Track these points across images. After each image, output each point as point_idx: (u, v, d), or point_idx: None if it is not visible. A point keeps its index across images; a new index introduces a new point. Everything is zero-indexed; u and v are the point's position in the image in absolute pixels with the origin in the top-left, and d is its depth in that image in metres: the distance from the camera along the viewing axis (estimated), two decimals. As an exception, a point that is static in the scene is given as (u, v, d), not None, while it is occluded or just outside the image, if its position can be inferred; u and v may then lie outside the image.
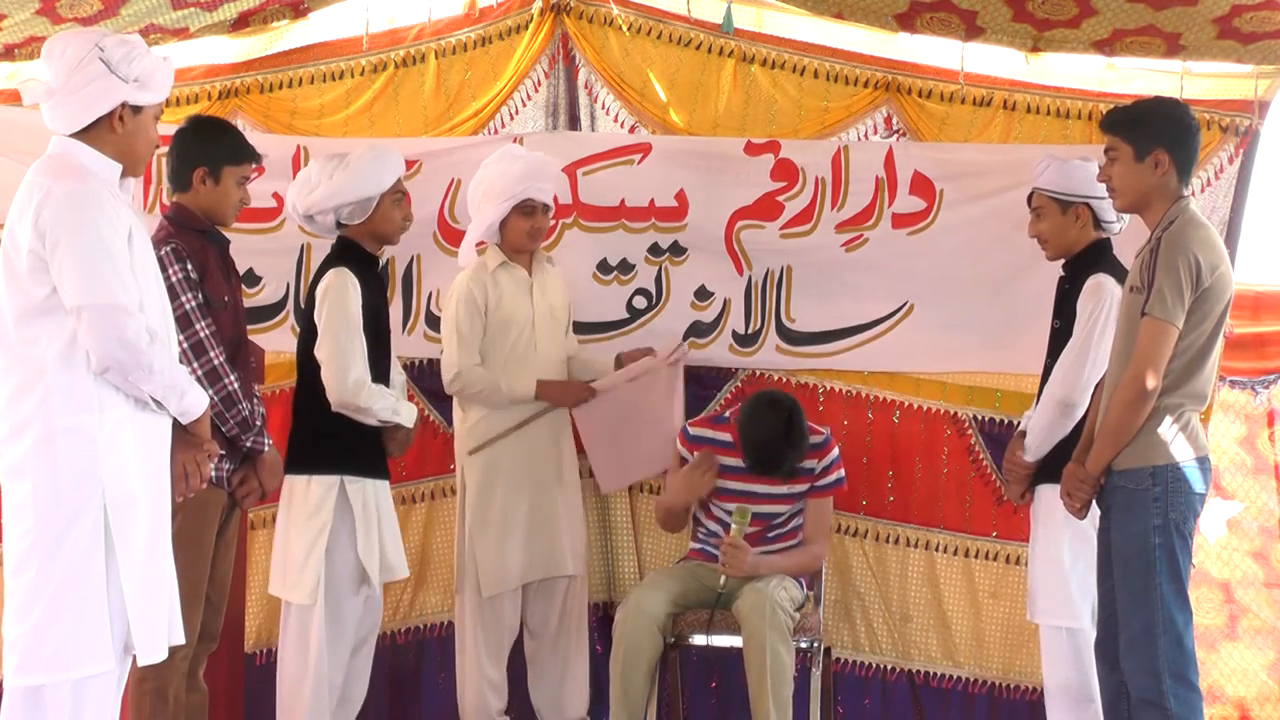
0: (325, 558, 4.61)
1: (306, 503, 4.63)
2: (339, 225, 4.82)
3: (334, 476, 4.65)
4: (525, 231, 5.09)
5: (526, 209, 5.07)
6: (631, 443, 5.20)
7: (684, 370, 5.33)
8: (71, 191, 3.46)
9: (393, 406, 4.73)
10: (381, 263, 5.43)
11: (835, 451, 5.07)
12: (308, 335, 4.77)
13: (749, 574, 4.86)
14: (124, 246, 3.49)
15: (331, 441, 4.67)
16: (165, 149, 4.46)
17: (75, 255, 3.42)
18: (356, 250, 4.81)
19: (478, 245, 5.19)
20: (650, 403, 5.17)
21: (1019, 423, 4.79)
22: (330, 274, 4.72)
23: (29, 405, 3.44)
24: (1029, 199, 4.73)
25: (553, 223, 5.37)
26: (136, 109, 3.63)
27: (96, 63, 3.56)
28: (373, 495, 4.71)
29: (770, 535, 5.02)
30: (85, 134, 3.59)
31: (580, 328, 5.41)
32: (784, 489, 4.98)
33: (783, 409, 4.90)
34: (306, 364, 4.76)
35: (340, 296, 4.67)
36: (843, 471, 5.09)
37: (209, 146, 4.40)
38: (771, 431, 4.87)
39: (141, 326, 3.45)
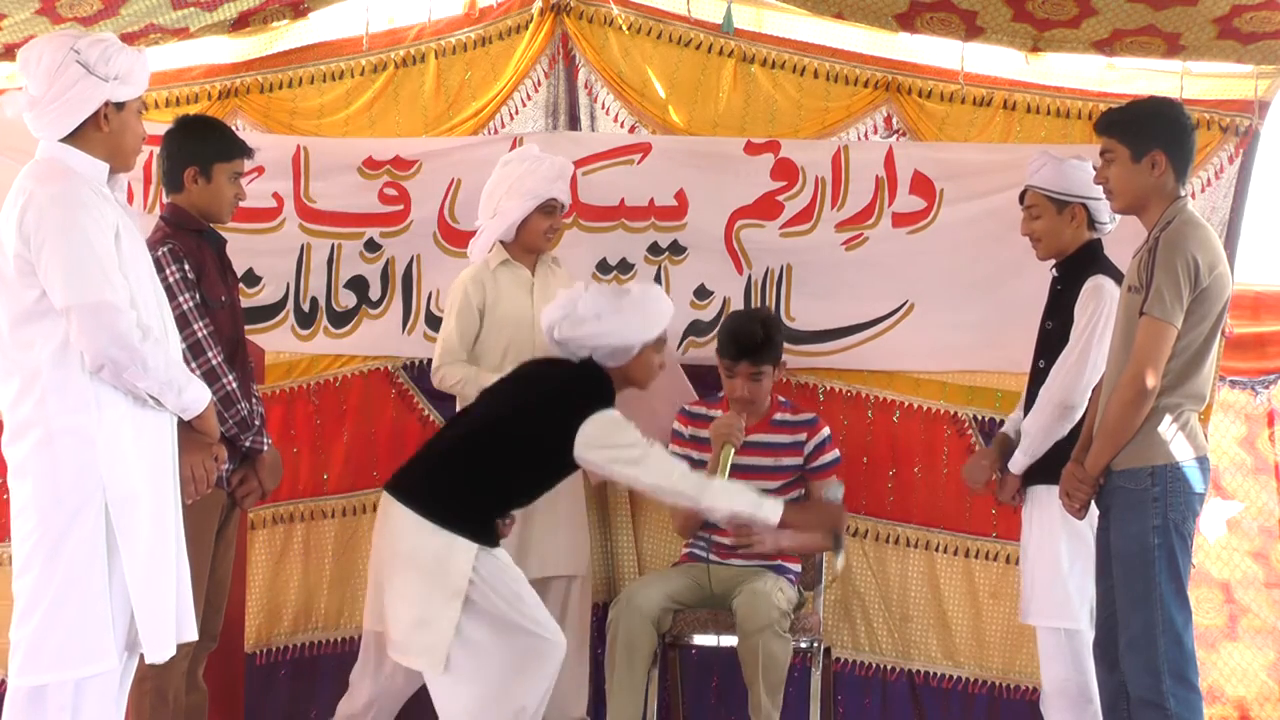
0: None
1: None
2: (592, 360, 4.52)
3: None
4: (543, 231, 5.11)
5: (549, 208, 5.09)
6: None
7: (687, 370, 5.38)
8: (54, 193, 3.46)
9: None
10: (381, 263, 5.47)
11: (826, 431, 5.09)
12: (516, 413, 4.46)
13: (770, 549, 4.75)
14: (110, 245, 3.48)
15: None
16: (156, 149, 4.48)
17: (61, 256, 3.42)
18: (604, 382, 4.49)
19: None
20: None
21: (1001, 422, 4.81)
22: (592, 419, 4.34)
23: (28, 408, 3.44)
24: (1021, 196, 4.73)
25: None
26: (120, 105, 3.62)
27: (75, 66, 3.55)
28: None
29: None
30: (72, 137, 3.58)
31: (581, 327, 5.41)
32: (771, 461, 5.00)
33: (759, 309, 5.34)
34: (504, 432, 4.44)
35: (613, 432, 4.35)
36: (837, 452, 5.11)
37: (197, 145, 4.40)
38: (745, 315, 5.18)
39: (132, 323, 3.44)
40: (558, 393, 4.45)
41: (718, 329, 5.17)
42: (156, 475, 3.56)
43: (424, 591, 4.23)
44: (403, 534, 4.29)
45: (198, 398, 3.68)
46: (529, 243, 5.13)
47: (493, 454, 4.37)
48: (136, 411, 3.53)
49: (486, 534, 4.36)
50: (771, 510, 4.32)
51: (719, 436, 4.87)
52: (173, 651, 3.57)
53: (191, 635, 3.65)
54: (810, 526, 4.52)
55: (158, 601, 3.51)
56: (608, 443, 4.33)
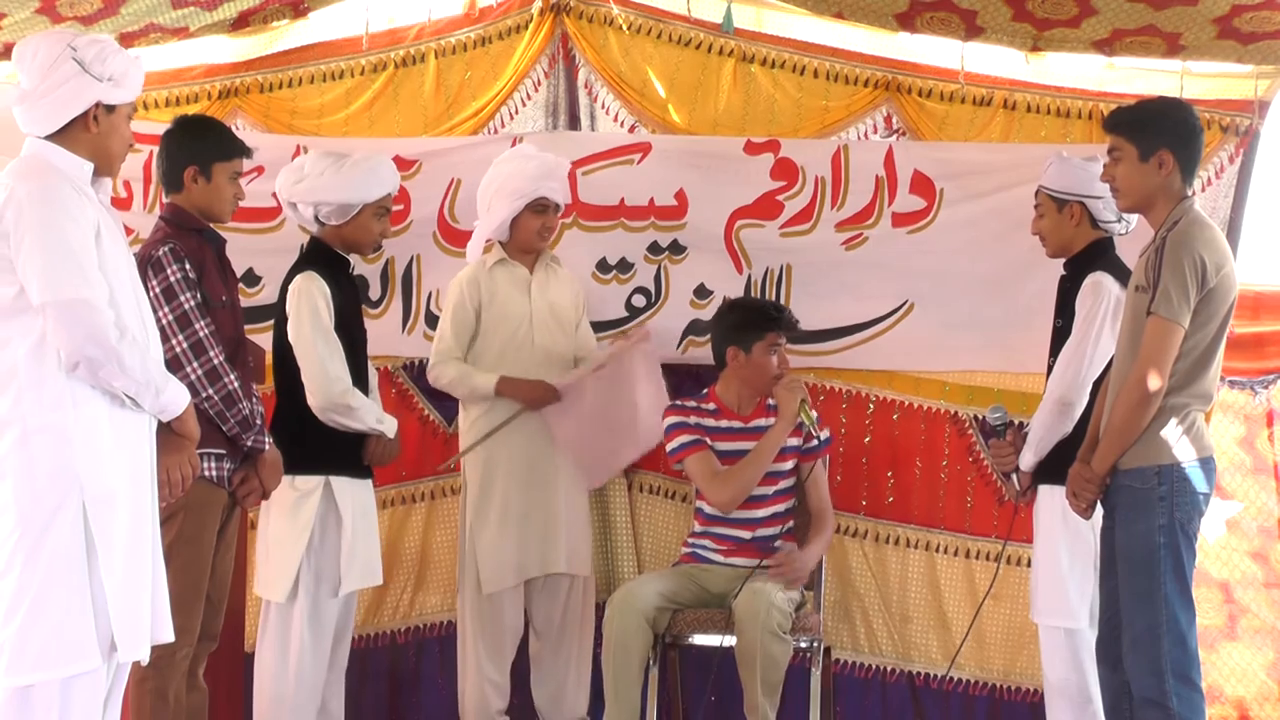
0: (308, 557, 4.60)
1: (288, 502, 4.61)
2: (317, 222, 4.81)
3: (319, 476, 4.63)
4: (536, 230, 5.11)
5: (539, 207, 5.10)
6: (609, 432, 5.17)
7: (687, 369, 5.37)
8: (32, 190, 3.44)
9: (376, 415, 4.71)
10: (381, 263, 5.46)
11: (815, 414, 5.11)
12: (282, 339, 4.74)
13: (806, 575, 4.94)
14: (89, 243, 3.45)
15: (316, 441, 4.64)
16: (156, 149, 4.47)
17: (38, 252, 3.39)
18: (327, 252, 4.80)
19: (485, 242, 5.19)
20: (621, 390, 5.16)
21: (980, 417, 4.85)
22: (298, 279, 4.70)
23: (4, 406, 3.41)
24: (1036, 194, 4.74)
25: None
26: (110, 108, 3.60)
27: (70, 63, 3.53)
28: (360, 496, 4.71)
29: (773, 494, 5.02)
30: (59, 135, 3.56)
31: (581, 327, 5.41)
32: None
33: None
34: (284, 366, 4.73)
35: (310, 301, 4.64)
36: (827, 431, 5.13)
37: (196, 144, 4.40)
38: (747, 298, 5.36)
39: (109, 321, 3.41)
40: (285, 282, 4.76)
41: (724, 319, 5.12)
42: (134, 475, 3.52)
43: (278, 531, 4.63)
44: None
45: (176, 399, 3.62)
46: (523, 242, 5.13)
47: (285, 376, 4.69)
48: (114, 411, 3.49)
49: (337, 462, 4.63)
50: (390, 424, 4.73)
51: (794, 395, 4.96)
52: (147, 652, 3.53)
53: (167, 636, 3.61)
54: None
55: (133, 601, 3.48)
56: (293, 303, 4.66)
